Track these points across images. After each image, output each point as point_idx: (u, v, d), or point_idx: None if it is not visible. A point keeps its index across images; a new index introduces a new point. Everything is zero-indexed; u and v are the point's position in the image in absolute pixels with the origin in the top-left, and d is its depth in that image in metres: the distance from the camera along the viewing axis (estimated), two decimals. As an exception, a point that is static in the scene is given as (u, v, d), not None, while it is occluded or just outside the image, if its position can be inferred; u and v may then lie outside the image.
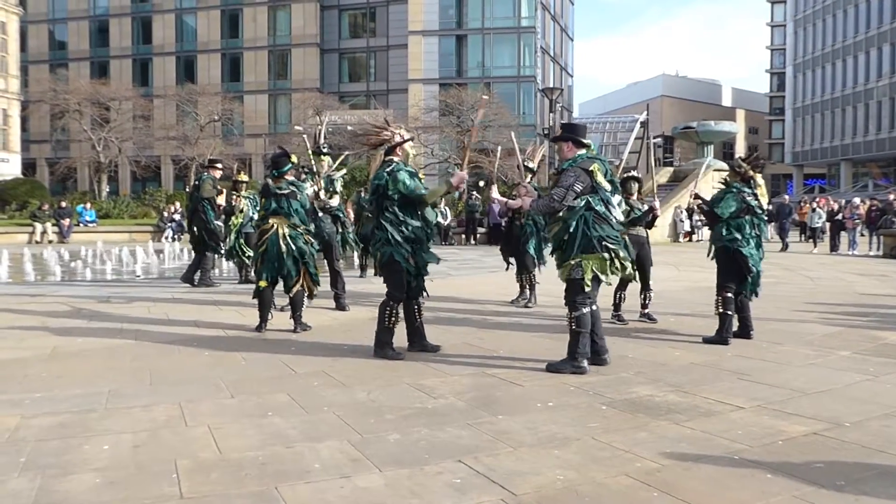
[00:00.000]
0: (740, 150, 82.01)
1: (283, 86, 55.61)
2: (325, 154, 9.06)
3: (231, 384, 5.16)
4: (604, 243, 5.42)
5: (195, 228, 11.48)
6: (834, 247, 22.06)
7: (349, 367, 5.74)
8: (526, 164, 9.11)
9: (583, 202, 5.42)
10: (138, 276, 13.56)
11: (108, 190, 44.04)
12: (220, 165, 12.09)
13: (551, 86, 41.87)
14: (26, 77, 49.66)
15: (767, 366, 5.74)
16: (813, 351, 6.38)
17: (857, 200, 23.17)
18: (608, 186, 5.53)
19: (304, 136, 11.01)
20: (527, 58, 52.94)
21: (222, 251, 11.67)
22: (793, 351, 6.36)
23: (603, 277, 5.47)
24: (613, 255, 5.46)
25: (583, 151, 5.66)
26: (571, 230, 5.44)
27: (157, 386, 5.17)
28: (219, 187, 11.49)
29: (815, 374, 5.52)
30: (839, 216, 22.48)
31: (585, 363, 5.48)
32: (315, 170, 8.91)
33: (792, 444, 3.90)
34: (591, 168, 5.49)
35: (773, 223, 23.72)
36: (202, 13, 57.02)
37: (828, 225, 23.28)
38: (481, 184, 30.11)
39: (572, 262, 5.46)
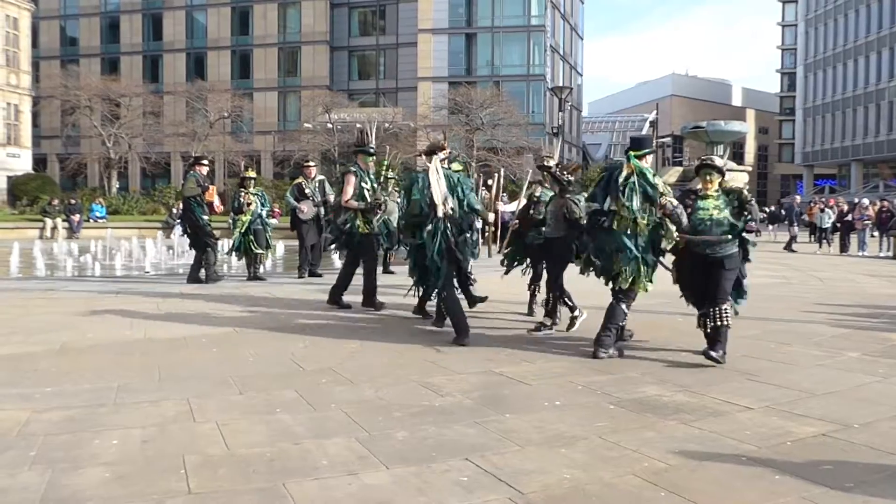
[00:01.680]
0: (750, 149, 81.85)
1: (293, 83, 55.66)
2: (371, 154, 8.92)
3: (239, 381, 5.18)
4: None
5: (187, 226, 11.53)
6: (844, 247, 21.97)
7: (357, 364, 5.75)
8: (546, 163, 8.46)
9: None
10: (147, 272, 13.61)
11: (117, 186, 44.27)
12: (205, 162, 11.90)
13: (561, 85, 41.80)
14: (37, 73, 49.93)
15: (776, 366, 5.72)
16: (822, 352, 6.35)
17: (865, 201, 23.02)
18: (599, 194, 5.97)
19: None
20: (536, 56, 52.85)
21: (214, 246, 11.60)
22: (801, 352, 6.34)
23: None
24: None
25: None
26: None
27: (166, 382, 5.19)
28: (204, 184, 11.46)
29: (824, 375, 5.50)
30: (849, 217, 22.37)
31: (602, 352, 5.93)
32: (364, 170, 8.74)
33: (800, 445, 3.88)
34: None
35: (774, 223, 23.65)
36: (212, 10, 57.18)
37: (837, 225, 23.17)
38: (490, 182, 30.06)
39: None
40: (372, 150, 8.94)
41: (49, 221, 26.36)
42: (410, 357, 6.04)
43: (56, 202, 28.01)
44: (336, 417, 4.34)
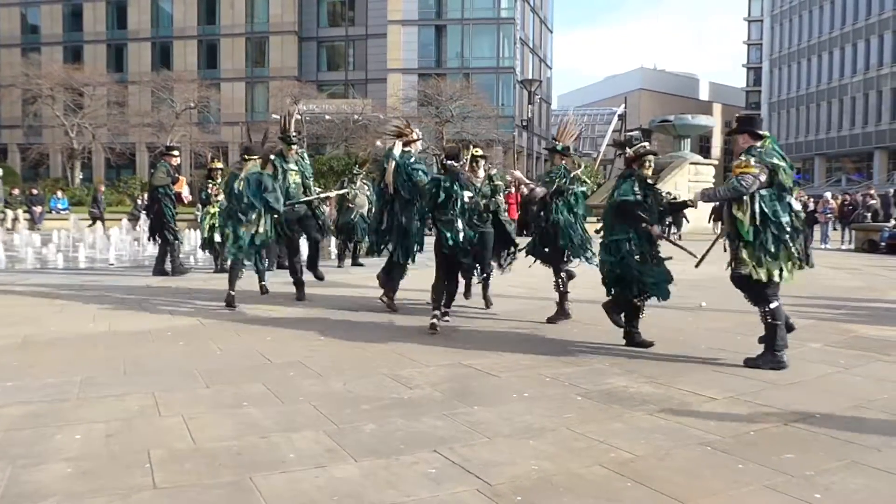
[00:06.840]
0: (717, 143, 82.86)
1: (261, 73, 55.05)
2: (291, 143, 9.01)
3: (206, 374, 5.13)
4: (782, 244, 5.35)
5: (152, 217, 11.39)
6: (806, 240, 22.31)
7: (326, 357, 5.72)
8: (555, 146, 7.65)
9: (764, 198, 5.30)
10: (111, 265, 13.39)
11: (81, 177, 43.44)
12: (176, 153, 11.85)
13: (530, 77, 41.92)
14: (-3, 61, 48.81)
15: (740, 357, 5.78)
16: (785, 343, 6.44)
17: (828, 195, 23.44)
18: (789, 184, 5.38)
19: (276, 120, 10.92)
20: (506, 49, 52.89)
21: (176, 239, 11.44)
22: (765, 343, 6.41)
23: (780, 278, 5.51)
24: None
25: (759, 143, 5.44)
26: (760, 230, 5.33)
27: (131, 375, 5.12)
28: (175, 175, 11.33)
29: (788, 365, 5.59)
30: (813, 210, 22.74)
31: (785, 356, 5.51)
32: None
33: (763, 434, 3.95)
34: (773, 162, 5.31)
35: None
36: (178, -2, 56.24)
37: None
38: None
39: (752, 263, 5.43)
40: (291, 140, 9.05)
41: (10, 213, 25.80)
42: (379, 349, 6.03)
43: (17, 192, 27.44)
44: (304, 410, 4.32)
